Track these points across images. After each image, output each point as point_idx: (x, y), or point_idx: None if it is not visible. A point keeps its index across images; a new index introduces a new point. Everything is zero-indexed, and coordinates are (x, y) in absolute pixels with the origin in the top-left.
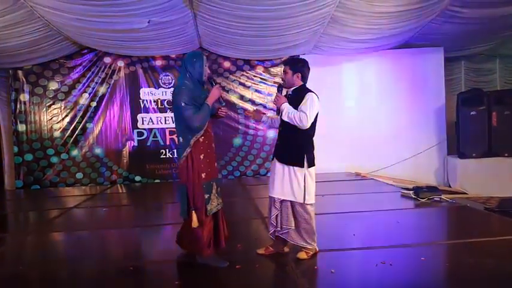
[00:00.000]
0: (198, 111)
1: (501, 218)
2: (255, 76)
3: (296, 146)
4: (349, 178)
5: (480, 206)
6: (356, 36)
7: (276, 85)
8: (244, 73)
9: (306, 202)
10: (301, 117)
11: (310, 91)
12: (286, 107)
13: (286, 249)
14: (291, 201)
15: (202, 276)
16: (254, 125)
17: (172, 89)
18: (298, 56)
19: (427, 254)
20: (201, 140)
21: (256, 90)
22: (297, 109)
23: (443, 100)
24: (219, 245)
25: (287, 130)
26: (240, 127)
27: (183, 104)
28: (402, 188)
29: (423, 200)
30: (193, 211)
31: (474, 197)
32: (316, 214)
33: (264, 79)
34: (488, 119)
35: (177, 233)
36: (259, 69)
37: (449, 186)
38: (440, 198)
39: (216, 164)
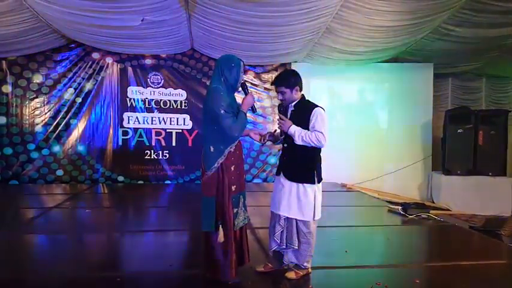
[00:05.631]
0: (236, 121)
1: (489, 239)
2: (245, 81)
3: (305, 163)
4: (335, 189)
5: (465, 224)
6: (349, 48)
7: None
8: None
9: (314, 218)
10: (318, 137)
11: (315, 106)
12: (295, 129)
13: (285, 266)
14: (296, 219)
15: None
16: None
17: (161, 89)
18: (289, 64)
19: (420, 275)
20: (232, 150)
21: None
22: (302, 125)
23: (430, 116)
24: (243, 261)
25: (294, 146)
26: None
27: (222, 112)
28: (389, 203)
29: (411, 216)
30: (220, 226)
31: (458, 214)
32: None
33: (255, 85)
34: (474, 137)
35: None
36: (250, 74)
37: (433, 202)
38: (428, 215)
39: (245, 176)
